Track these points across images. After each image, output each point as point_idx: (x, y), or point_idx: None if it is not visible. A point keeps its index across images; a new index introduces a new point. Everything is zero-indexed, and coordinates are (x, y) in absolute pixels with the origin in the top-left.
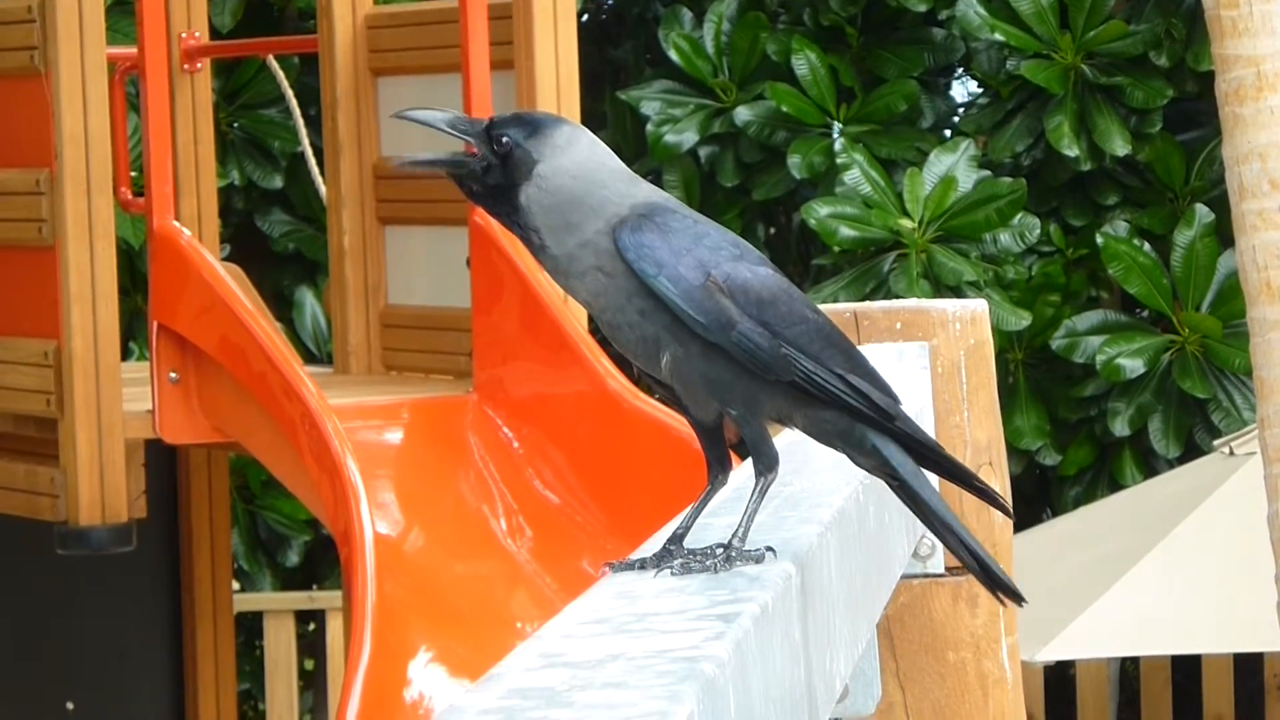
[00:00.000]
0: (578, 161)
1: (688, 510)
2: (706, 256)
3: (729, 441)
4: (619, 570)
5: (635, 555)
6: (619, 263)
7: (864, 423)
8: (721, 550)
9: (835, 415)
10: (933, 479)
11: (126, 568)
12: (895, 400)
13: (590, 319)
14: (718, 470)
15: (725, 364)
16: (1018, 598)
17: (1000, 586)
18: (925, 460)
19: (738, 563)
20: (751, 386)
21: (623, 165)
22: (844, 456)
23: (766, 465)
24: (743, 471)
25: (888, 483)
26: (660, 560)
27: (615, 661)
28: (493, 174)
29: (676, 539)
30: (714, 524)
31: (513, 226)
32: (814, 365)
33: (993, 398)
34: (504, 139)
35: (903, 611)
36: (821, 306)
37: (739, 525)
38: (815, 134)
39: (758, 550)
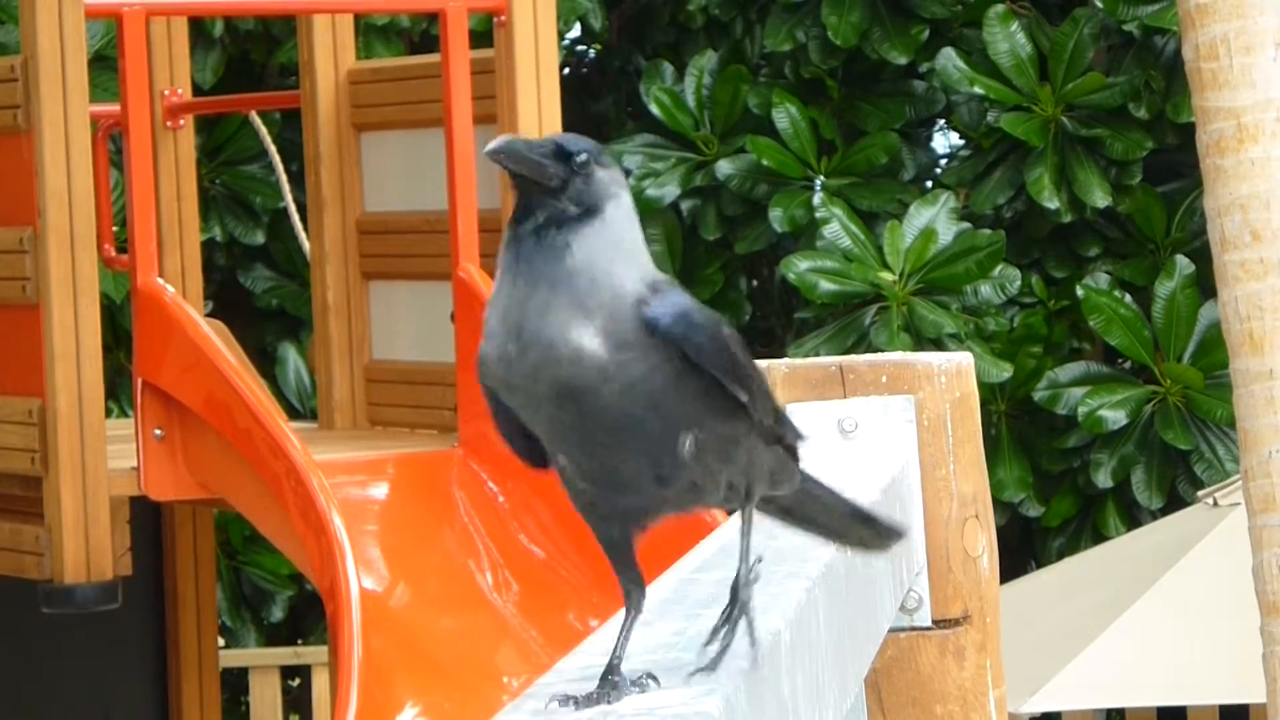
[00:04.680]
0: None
1: (619, 636)
2: (709, 312)
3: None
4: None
5: (565, 688)
6: (640, 334)
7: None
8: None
9: (779, 459)
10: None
11: (112, 625)
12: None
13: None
14: (636, 592)
15: (735, 431)
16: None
17: (886, 531)
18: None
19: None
20: (754, 449)
21: None
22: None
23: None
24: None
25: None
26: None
27: None
28: (573, 190)
29: (611, 671)
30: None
31: (559, 221)
32: (771, 408)
33: (979, 450)
34: (582, 156)
35: (890, 665)
36: (805, 361)
37: (741, 558)
38: (797, 187)
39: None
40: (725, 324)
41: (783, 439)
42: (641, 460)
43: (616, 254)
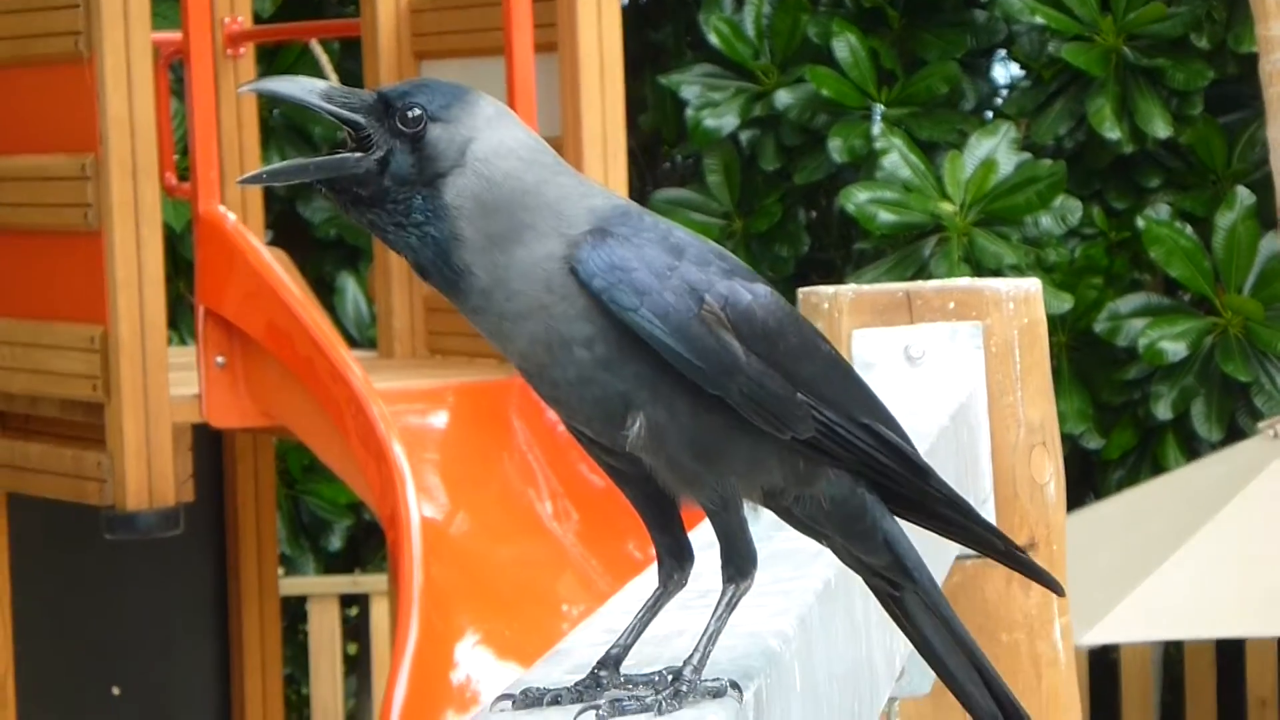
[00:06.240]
0: (521, 141)
1: (631, 621)
2: (695, 275)
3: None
4: (524, 706)
5: (547, 683)
6: (575, 294)
7: (893, 484)
8: (670, 678)
9: (849, 488)
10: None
11: (173, 552)
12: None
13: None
14: (672, 566)
15: (724, 422)
16: None
17: None
18: (960, 530)
19: (689, 699)
20: (757, 451)
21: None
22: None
23: (740, 569)
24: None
25: (889, 593)
26: (584, 694)
27: None
28: (397, 164)
29: (610, 662)
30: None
31: (416, 247)
32: (835, 415)
33: (1046, 377)
34: (413, 110)
35: (956, 592)
36: (873, 287)
37: (696, 647)
38: (856, 117)
39: (717, 682)
40: (725, 291)
41: (864, 462)
42: (606, 428)
43: (511, 230)
